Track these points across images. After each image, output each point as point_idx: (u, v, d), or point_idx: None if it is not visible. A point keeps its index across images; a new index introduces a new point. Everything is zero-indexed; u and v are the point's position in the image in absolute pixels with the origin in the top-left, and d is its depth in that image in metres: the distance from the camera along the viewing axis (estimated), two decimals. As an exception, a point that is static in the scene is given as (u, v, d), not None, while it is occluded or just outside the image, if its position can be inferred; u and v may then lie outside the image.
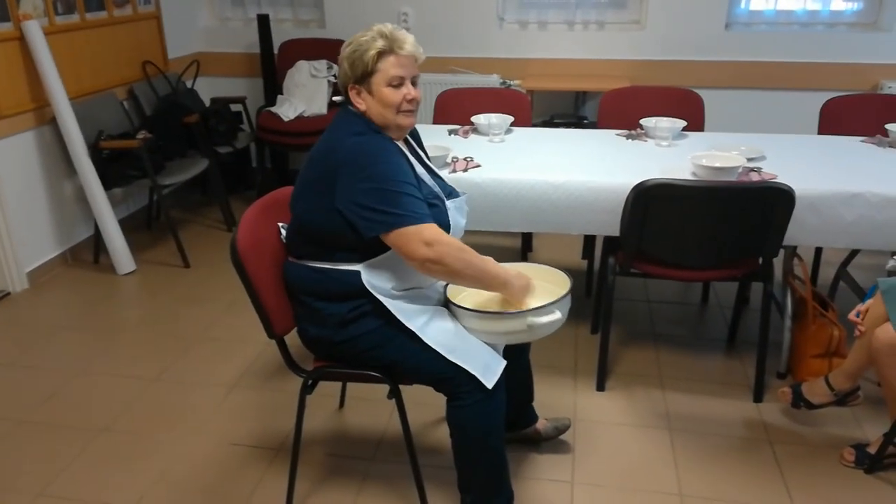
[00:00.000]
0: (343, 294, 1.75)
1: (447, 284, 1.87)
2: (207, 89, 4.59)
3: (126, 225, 3.87)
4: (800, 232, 2.33)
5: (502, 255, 1.79)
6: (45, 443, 2.30)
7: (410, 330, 1.71)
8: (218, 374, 2.68)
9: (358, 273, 1.73)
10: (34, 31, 3.28)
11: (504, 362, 1.75)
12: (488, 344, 1.76)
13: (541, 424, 2.22)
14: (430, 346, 1.70)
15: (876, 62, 4.00)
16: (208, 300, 3.24)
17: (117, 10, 3.96)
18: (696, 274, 2.41)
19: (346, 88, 1.75)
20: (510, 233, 3.74)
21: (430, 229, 1.65)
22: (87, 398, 2.54)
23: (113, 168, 3.55)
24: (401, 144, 1.80)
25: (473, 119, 3.02)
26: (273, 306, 1.80)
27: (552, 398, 2.48)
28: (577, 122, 4.14)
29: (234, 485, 2.11)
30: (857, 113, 3.18)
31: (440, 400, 1.75)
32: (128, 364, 2.75)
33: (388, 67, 1.68)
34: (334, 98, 1.86)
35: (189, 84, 4.34)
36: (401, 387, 1.83)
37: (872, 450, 2.12)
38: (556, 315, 1.70)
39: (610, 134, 2.98)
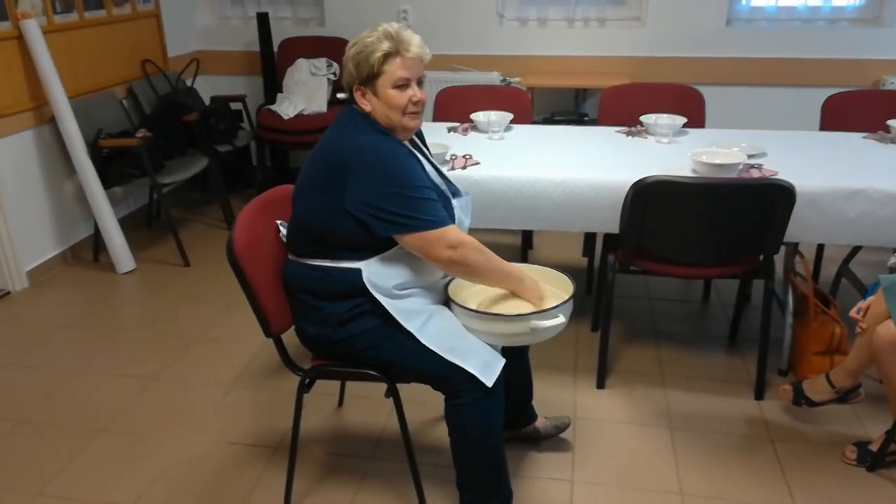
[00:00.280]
0: (342, 293, 1.74)
1: (448, 283, 1.86)
2: (207, 88, 4.58)
3: (126, 224, 3.87)
4: (801, 229, 2.32)
5: (502, 253, 1.78)
6: (45, 442, 2.30)
7: (408, 329, 1.70)
8: (217, 373, 2.67)
9: (358, 271, 1.72)
10: (33, 30, 3.27)
11: (503, 360, 1.74)
12: (488, 344, 1.75)
13: (540, 423, 2.21)
14: (427, 346, 1.69)
15: (878, 58, 3.98)
16: (208, 299, 3.23)
17: (116, 9, 3.96)
18: (696, 271, 2.40)
19: (350, 89, 1.74)
20: (510, 230, 3.73)
21: (453, 232, 1.67)
22: (86, 397, 2.53)
23: (112, 167, 3.54)
24: (408, 145, 1.79)
25: (473, 116, 3.01)
26: (270, 305, 1.79)
27: (552, 396, 2.47)
28: (578, 118, 4.13)
29: (233, 484, 2.10)
30: (859, 109, 3.16)
31: (439, 398, 1.75)
32: (127, 363, 2.75)
33: (394, 69, 1.67)
34: (338, 95, 1.86)
35: (189, 83, 4.34)
36: (399, 385, 1.83)
37: (874, 447, 2.11)
38: (560, 319, 1.70)
39: (610, 131, 2.97)
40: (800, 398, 2.25)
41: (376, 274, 1.72)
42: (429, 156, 1.90)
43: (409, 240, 1.67)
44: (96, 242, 3.63)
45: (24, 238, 3.39)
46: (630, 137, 2.87)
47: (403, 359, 1.74)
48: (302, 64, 4.30)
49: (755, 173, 2.38)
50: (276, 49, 4.48)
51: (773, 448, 2.21)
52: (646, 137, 2.86)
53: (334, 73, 4.24)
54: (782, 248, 2.36)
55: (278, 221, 1.90)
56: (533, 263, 1.91)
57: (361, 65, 1.68)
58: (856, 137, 2.83)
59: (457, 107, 3.32)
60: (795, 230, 2.30)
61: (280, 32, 4.51)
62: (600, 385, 2.53)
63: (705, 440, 2.25)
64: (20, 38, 3.29)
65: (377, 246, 1.71)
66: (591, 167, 2.47)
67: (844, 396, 2.20)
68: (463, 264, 1.69)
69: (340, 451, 2.23)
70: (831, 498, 2.00)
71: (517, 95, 3.36)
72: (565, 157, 2.59)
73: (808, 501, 1.99)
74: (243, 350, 2.82)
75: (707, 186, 2.19)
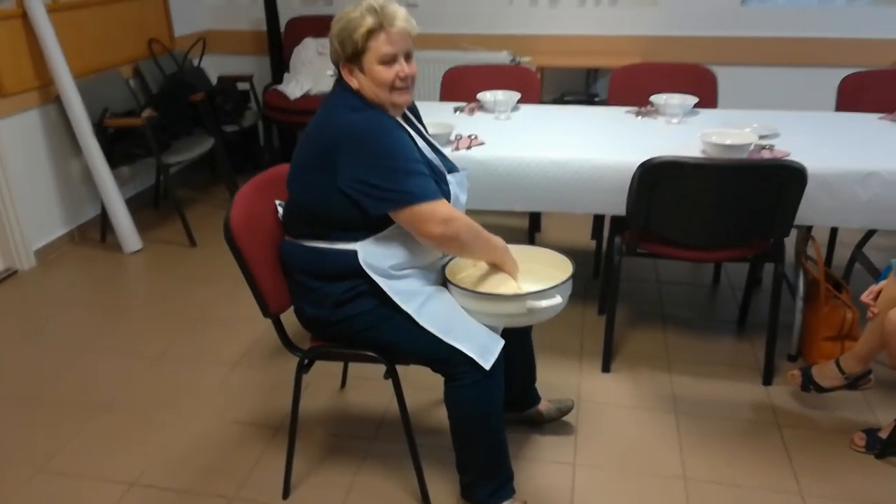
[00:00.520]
0: (339, 274, 1.72)
1: (446, 264, 1.83)
2: (214, 67, 4.55)
3: (133, 203, 3.87)
4: (813, 211, 2.26)
5: (509, 236, 1.76)
6: (48, 419, 2.31)
7: (406, 311, 1.68)
8: (221, 352, 2.67)
9: (355, 253, 1.69)
10: (37, 8, 3.25)
11: (502, 342, 1.71)
12: (487, 325, 1.72)
13: (543, 406, 2.19)
14: (425, 328, 1.67)
15: (897, 37, 3.88)
16: (213, 279, 3.23)
17: (122, -13, 3.93)
18: (704, 254, 2.35)
19: (338, 66, 1.70)
20: (517, 212, 3.69)
21: (444, 207, 1.64)
22: (90, 376, 2.54)
23: (118, 147, 3.53)
24: (400, 120, 1.75)
25: (479, 96, 2.97)
26: (268, 285, 1.77)
27: (557, 379, 2.45)
28: (588, 99, 4.07)
29: (233, 463, 2.10)
30: (876, 89, 3.08)
31: (441, 381, 1.72)
32: (132, 342, 2.75)
33: (380, 45, 1.63)
34: (328, 72, 1.82)
35: (195, 62, 4.31)
36: (402, 368, 1.81)
37: (884, 434, 2.07)
38: (557, 299, 1.67)
39: (619, 111, 2.92)
40: (808, 384, 2.21)
41: (372, 255, 1.69)
42: (423, 131, 1.86)
43: (401, 216, 1.64)
44: (103, 222, 3.63)
45: (32, 217, 3.40)
46: (639, 118, 2.82)
47: (401, 340, 1.72)
48: (309, 43, 4.26)
49: (766, 154, 2.32)
50: (283, 28, 4.44)
51: (780, 434, 2.17)
52: (655, 118, 2.81)
53: (342, 53, 4.18)
54: (794, 231, 2.31)
55: (277, 201, 1.88)
56: (540, 246, 1.87)
57: (346, 42, 1.64)
58: (872, 118, 2.76)
59: (465, 87, 3.27)
60: (806, 213, 2.25)
61: (287, 11, 4.46)
62: (605, 368, 2.50)
63: (711, 425, 2.22)
64: (24, 16, 3.27)
65: (372, 226, 1.68)
66: (598, 148, 2.42)
67: (854, 383, 2.15)
68: (455, 239, 1.66)
69: (342, 433, 2.22)
70: (838, 485, 1.97)
71: (526, 75, 3.31)
72: (572, 137, 2.55)
73: (815, 488, 1.96)
74: (248, 330, 2.82)
75: (716, 167, 2.15)
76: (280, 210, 1.87)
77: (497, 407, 1.73)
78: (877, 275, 2.78)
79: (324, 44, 4.24)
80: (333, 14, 4.36)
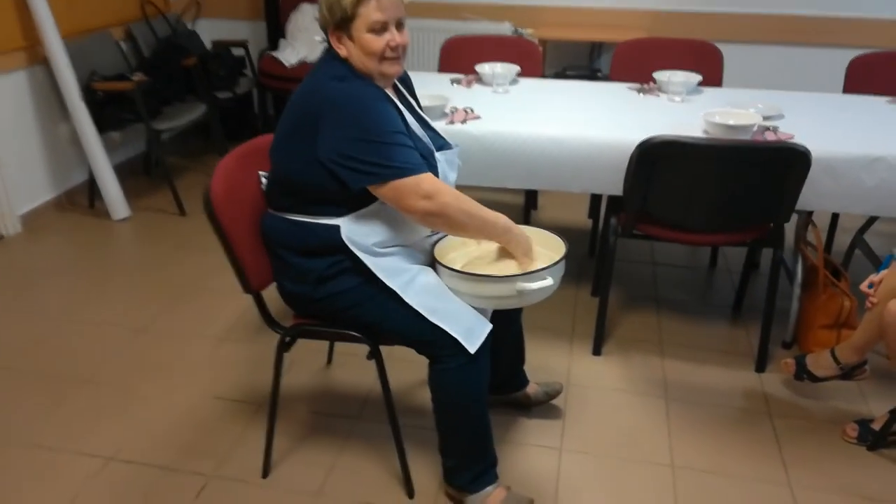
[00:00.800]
0: (322, 249, 1.66)
1: (435, 243, 1.77)
2: (208, 32, 4.44)
3: (124, 170, 3.80)
4: (815, 196, 2.20)
5: (504, 212, 1.68)
6: (26, 391, 2.27)
7: (391, 289, 1.62)
8: (208, 325, 2.62)
9: (338, 228, 1.63)
10: (23, -35, 3.15)
11: (490, 326, 1.66)
12: (476, 308, 1.67)
13: (531, 388, 2.14)
14: (411, 307, 1.61)
15: (909, 18, 3.77)
16: (202, 250, 3.17)
17: (114, -54, 3.81)
18: (702, 237, 2.29)
19: (326, 32, 1.62)
20: (513, 190, 3.62)
21: (428, 180, 1.56)
22: (73, 346, 2.49)
23: (107, 111, 3.45)
24: (389, 92, 1.68)
25: (477, 68, 2.88)
26: (249, 260, 1.71)
27: (546, 361, 2.40)
28: (591, 74, 3.97)
29: (214, 439, 2.06)
30: (885, 71, 3.00)
31: (426, 360, 1.68)
32: (117, 313, 2.70)
33: (370, 12, 1.54)
34: (316, 38, 1.74)
35: (189, 26, 4.20)
36: (386, 346, 1.76)
37: (877, 426, 2.03)
38: (548, 281, 1.61)
39: (621, 87, 2.83)
40: (802, 373, 2.17)
41: (354, 231, 1.63)
42: (413, 105, 1.79)
43: (383, 191, 1.56)
44: (91, 188, 3.56)
45: (18, 181, 3.33)
46: (641, 95, 2.74)
47: (385, 319, 1.67)
48: (305, 9, 4.14)
49: (770, 136, 2.25)
50: (280, -8, 4.32)
51: (771, 423, 2.13)
52: (658, 95, 2.73)
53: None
54: (794, 216, 2.24)
55: (261, 172, 1.81)
56: (536, 225, 1.81)
57: (334, 7, 1.56)
58: (880, 101, 2.68)
59: (464, 58, 3.17)
60: (809, 198, 2.18)
61: (284, -25, 4.34)
62: (596, 351, 2.46)
63: (701, 412, 2.18)
64: (10, -28, 3.17)
65: (353, 201, 1.61)
66: (596, 125, 2.35)
67: (849, 373, 2.11)
68: (442, 215, 1.56)
69: (326, 410, 2.18)
70: (828, 476, 1.93)
71: (528, 48, 3.21)
72: (571, 113, 2.47)
73: (805, 479, 1.92)
74: (236, 303, 2.77)
75: (717, 148, 2.08)
76: (264, 181, 1.80)
77: (482, 391, 1.69)
78: (877, 262, 2.72)
79: (321, 10, 4.13)
80: (331, -21, 4.28)
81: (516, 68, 2.87)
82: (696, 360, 2.43)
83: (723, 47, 3.09)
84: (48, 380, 2.32)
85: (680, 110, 2.55)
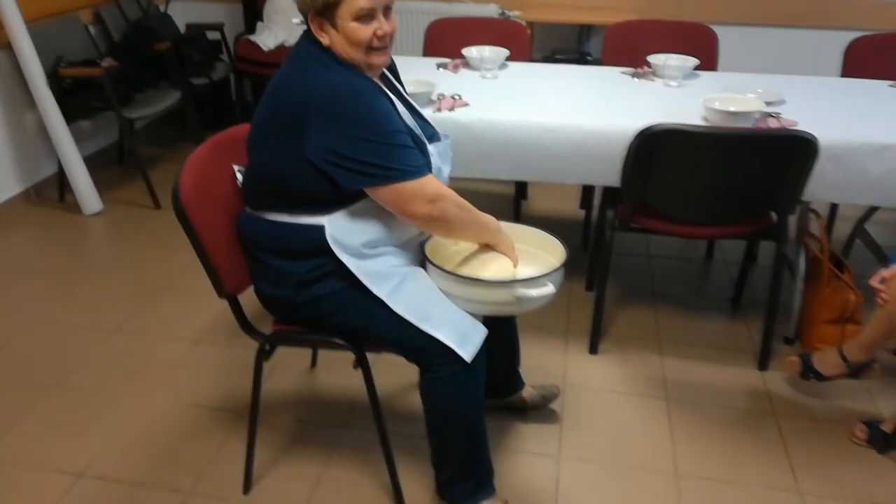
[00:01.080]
0: (304, 251, 1.54)
1: (425, 242, 1.65)
2: (182, 14, 4.25)
3: (95, 161, 3.63)
4: (819, 186, 2.10)
5: (493, 204, 1.59)
6: (-9, 400, 2.13)
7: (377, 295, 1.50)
8: (183, 327, 2.49)
9: (321, 228, 1.51)
10: (-19, -57, 2.96)
11: (485, 331, 1.54)
12: (468, 312, 1.55)
13: (527, 392, 2.04)
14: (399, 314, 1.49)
15: (907, -2, 3.68)
16: (177, 246, 3.02)
17: (79, -76, 3.61)
18: (703, 230, 2.20)
19: (306, 17, 1.48)
20: (502, 179, 3.50)
21: (432, 184, 1.46)
22: (40, 350, 2.35)
23: (76, 99, 3.28)
24: (378, 82, 1.54)
25: (464, 52, 2.75)
26: (223, 261, 1.59)
27: (541, 361, 2.30)
28: (580, 58, 3.84)
29: (192, 451, 1.94)
30: (884, 54, 2.91)
31: (416, 365, 1.57)
32: (87, 313, 2.56)
33: None
34: (294, 20, 1.60)
35: (162, 8, 4.02)
36: (372, 353, 1.64)
37: (887, 428, 1.94)
38: (549, 289, 1.50)
39: (614, 72, 2.72)
40: (808, 371, 2.08)
41: (341, 230, 1.50)
42: (403, 94, 1.66)
43: (381, 193, 1.45)
44: (61, 181, 3.39)
45: (-19, 175, 3.16)
46: (636, 79, 2.62)
47: (372, 325, 1.55)
48: (284, -10, 3.97)
49: (773, 123, 2.15)
50: (256, -26, 4.14)
51: (777, 424, 2.05)
52: (653, 80, 2.61)
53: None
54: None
55: (236, 166, 1.67)
56: (527, 217, 1.69)
57: None
58: (882, 85, 2.59)
59: (449, 41, 3.04)
60: (813, 188, 2.08)
61: (261, -45, 4.15)
62: (593, 350, 2.35)
63: (703, 414, 2.09)
64: (-33, -48, 2.97)
65: (343, 199, 1.49)
66: (590, 112, 2.23)
67: (857, 372, 2.02)
68: (443, 220, 1.48)
69: (311, 419, 2.07)
70: (837, 481, 1.85)
71: (516, 30, 3.09)
72: (563, 99, 2.35)
73: (814, 486, 1.84)
74: (213, 303, 2.62)
75: (719, 137, 1.97)
76: (239, 177, 1.67)
77: (477, 401, 1.58)
78: (879, 253, 2.64)
79: (300, -8, 3.96)
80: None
81: (505, 52, 2.74)
82: (696, 358, 2.33)
83: (717, 29, 2.99)
84: (14, 386, 2.18)
85: (677, 96, 2.44)
